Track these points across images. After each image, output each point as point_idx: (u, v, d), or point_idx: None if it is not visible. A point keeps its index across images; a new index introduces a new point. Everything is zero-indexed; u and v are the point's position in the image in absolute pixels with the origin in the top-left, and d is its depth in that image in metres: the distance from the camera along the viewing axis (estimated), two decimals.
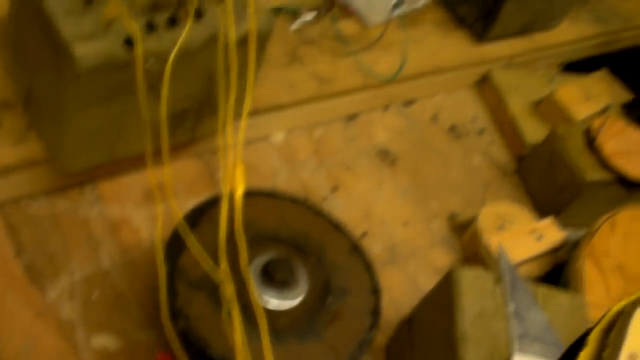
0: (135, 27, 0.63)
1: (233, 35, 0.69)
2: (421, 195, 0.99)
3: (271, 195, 0.80)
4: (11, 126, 0.77)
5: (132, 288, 0.77)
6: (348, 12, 1.08)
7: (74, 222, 0.79)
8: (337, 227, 0.79)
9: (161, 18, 0.68)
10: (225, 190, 0.66)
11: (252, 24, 0.71)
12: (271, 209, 0.78)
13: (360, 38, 1.06)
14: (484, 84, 1.19)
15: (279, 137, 0.95)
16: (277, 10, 1.01)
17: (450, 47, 1.16)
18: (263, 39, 0.74)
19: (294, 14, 1.02)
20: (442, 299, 0.74)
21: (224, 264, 0.63)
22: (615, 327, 0.47)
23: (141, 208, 0.82)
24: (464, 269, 0.74)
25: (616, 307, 0.49)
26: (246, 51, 0.71)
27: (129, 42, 0.64)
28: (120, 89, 0.67)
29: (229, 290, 0.63)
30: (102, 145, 0.75)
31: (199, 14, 0.69)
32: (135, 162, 0.78)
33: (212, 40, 0.70)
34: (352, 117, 1.03)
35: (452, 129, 1.11)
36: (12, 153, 0.76)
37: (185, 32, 0.65)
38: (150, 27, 0.66)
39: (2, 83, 0.79)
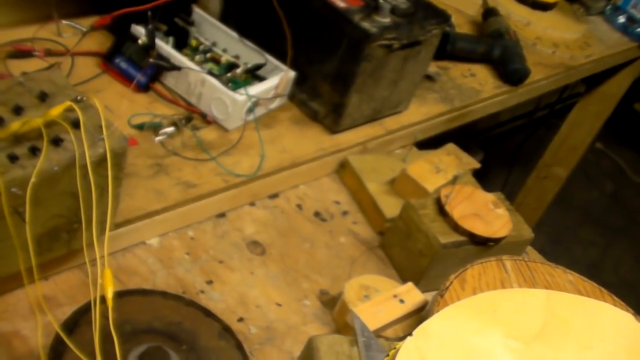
0: None
1: (89, 158, 0.79)
2: (292, 278, 1.08)
3: (143, 293, 0.88)
4: None
5: None
6: (207, 120, 1.19)
7: None
8: (207, 314, 0.88)
9: (23, 149, 0.77)
10: (95, 295, 0.75)
11: (108, 146, 0.81)
12: (144, 305, 0.86)
13: (221, 143, 1.17)
14: (343, 170, 1.30)
15: (154, 241, 1.04)
16: (140, 127, 1.11)
17: (306, 140, 1.27)
18: (119, 158, 0.84)
19: (156, 128, 1.12)
20: None
21: None
22: None
23: (29, 320, 0.89)
24: (321, 335, 0.83)
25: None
26: (106, 170, 0.81)
27: None
28: None
29: None
30: None
31: (56, 142, 0.78)
32: (19, 279, 0.85)
33: (72, 164, 0.79)
34: (221, 215, 1.12)
35: (317, 214, 1.21)
36: None
37: (41, 161, 0.75)
38: (12, 158, 0.75)
39: None
